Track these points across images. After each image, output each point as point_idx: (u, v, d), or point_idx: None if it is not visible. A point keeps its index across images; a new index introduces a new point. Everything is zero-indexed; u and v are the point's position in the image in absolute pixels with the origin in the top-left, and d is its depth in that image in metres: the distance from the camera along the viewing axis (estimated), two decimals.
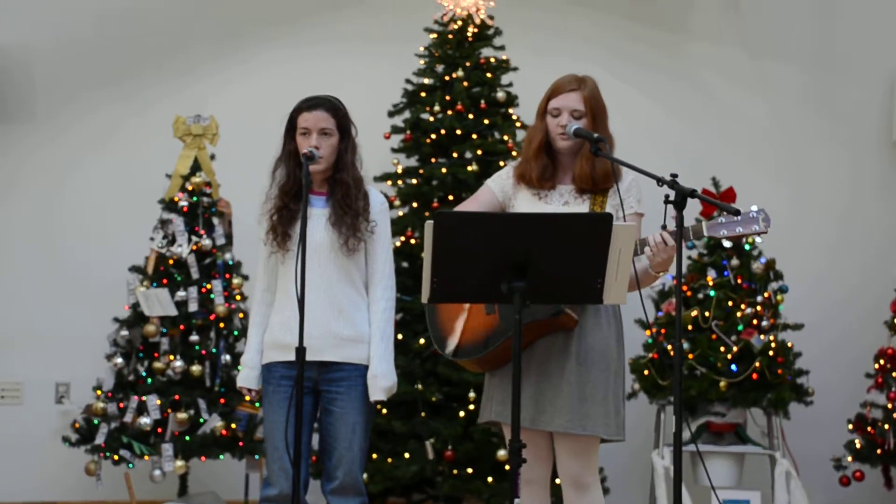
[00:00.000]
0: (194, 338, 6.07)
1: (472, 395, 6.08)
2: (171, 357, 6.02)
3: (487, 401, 4.05)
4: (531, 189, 4.04)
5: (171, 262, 6.16)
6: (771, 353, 6.04)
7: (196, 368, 6.01)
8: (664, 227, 3.80)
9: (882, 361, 6.23)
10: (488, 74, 6.59)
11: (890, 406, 6.06)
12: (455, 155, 6.47)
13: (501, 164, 6.39)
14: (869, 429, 6.14)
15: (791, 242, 6.50)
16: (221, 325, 6.14)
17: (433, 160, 6.53)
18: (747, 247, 6.30)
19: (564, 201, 4.02)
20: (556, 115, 3.99)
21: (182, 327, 6.09)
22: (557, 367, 3.89)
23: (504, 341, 3.85)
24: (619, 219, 3.93)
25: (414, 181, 6.49)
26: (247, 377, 4.25)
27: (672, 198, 3.59)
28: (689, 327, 6.15)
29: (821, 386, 6.30)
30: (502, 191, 4.11)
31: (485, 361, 3.95)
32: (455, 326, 3.97)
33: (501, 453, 5.98)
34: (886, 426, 6.03)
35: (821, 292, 6.86)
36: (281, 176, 4.24)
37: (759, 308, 6.16)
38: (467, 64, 6.58)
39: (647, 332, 6.20)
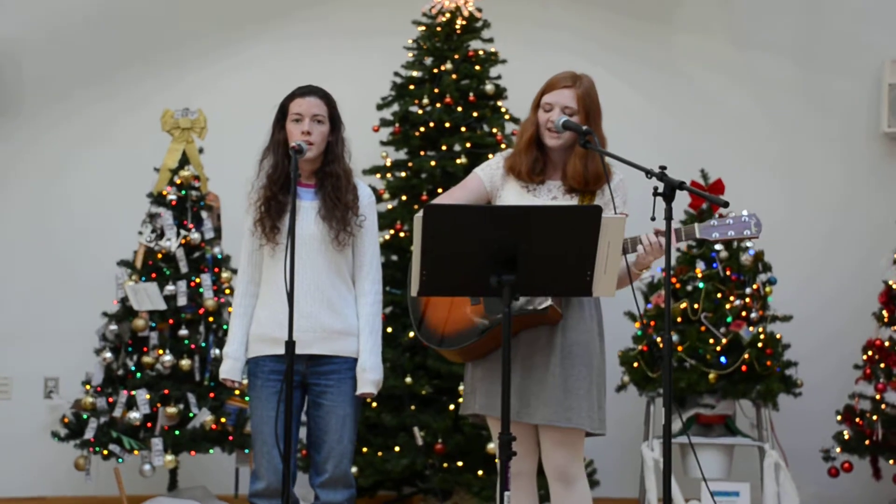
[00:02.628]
0: (183, 332, 6.06)
1: (461, 388, 6.08)
2: (161, 351, 6.01)
3: (470, 393, 4.05)
4: (520, 182, 4.04)
5: (159, 256, 6.15)
6: (760, 344, 6.05)
7: (185, 363, 6.00)
8: (655, 228, 3.80)
9: (870, 353, 6.24)
10: (477, 67, 6.58)
11: (878, 397, 6.07)
12: (444, 148, 6.47)
13: (490, 156, 6.38)
14: (857, 420, 6.15)
15: (782, 235, 6.50)
16: (210, 319, 6.14)
17: (422, 153, 6.53)
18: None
19: (553, 196, 4.02)
20: (549, 109, 3.99)
21: (171, 321, 6.08)
22: (542, 360, 3.90)
23: (490, 331, 3.85)
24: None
25: (403, 174, 6.49)
26: (231, 369, 4.22)
27: (660, 190, 3.59)
28: (679, 319, 6.16)
29: (810, 378, 6.32)
30: (491, 180, 4.10)
31: (468, 351, 3.95)
32: (439, 316, 3.97)
33: (491, 446, 5.98)
34: (875, 417, 6.04)
35: (812, 285, 6.86)
36: (268, 166, 4.23)
37: (747, 300, 6.17)
38: (456, 56, 6.58)
39: (637, 325, 6.21)
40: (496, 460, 3.49)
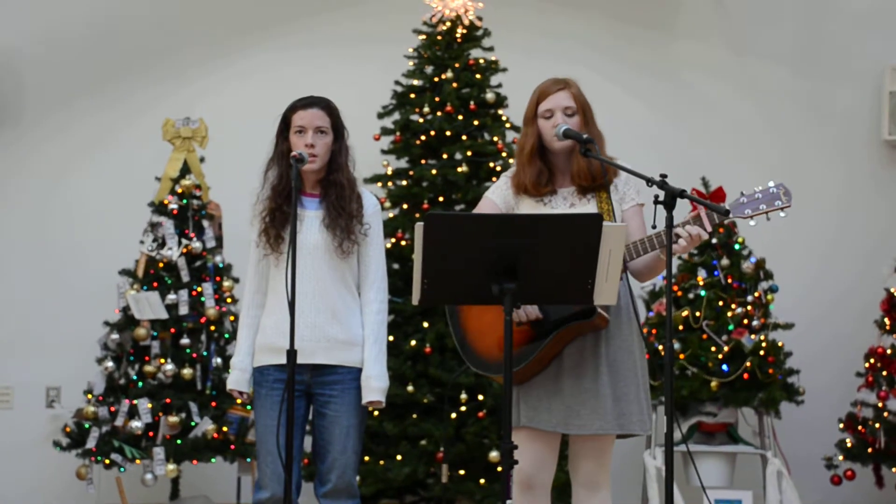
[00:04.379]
0: (185, 341, 6.06)
1: (463, 396, 6.08)
2: (162, 360, 6.01)
3: (513, 406, 3.99)
4: (532, 197, 4.03)
5: (161, 265, 6.15)
6: (762, 352, 6.05)
7: (187, 371, 6.00)
8: (692, 214, 3.79)
9: (872, 360, 6.24)
10: (477, 75, 6.59)
11: (880, 405, 6.07)
12: (445, 156, 6.47)
13: (491, 164, 6.41)
14: (860, 428, 6.14)
15: (783, 242, 6.51)
16: (212, 327, 6.14)
17: (423, 161, 6.54)
18: (737, 246, 6.31)
19: (570, 204, 3.99)
20: (549, 116, 3.98)
21: (173, 330, 6.08)
22: (591, 370, 3.87)
23: (537, 354, 3.83)
24: (619, 212, 3.94)
25: (404, 183, 6.50)
26: (237, 380, 4.23)
27: (661, 198, 3.59)
28: (680, 327, 6.16)
29: (812, 385, 6.31)
30: (504, 201, 4.07)
31: (521, 373, 3.91)
32: (486, 342, 3.94)
33: (493, 454, 5.98)
34: (877, 425, 6.04)
35: (813, 292, 6.86)
36: (273, 177, 4.23)
37: (749, 308, 6.17)
38: (456, 65, 6.58)
39: None
40: (499, 468, 3.48)
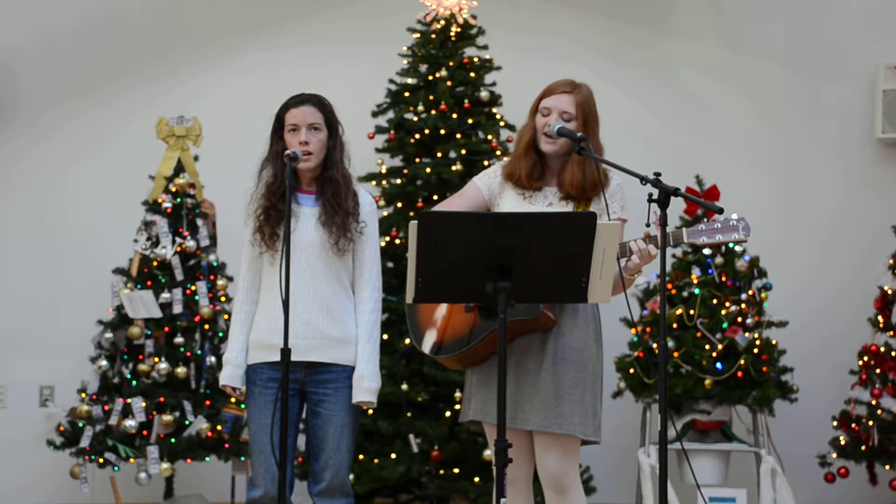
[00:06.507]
0: (179, 340, 6.05)
1: (457, 394, 6.08)
2: (156, 359, 6.00)
3: (468, 400, 4.05)
4: (518, 189, 4.04)
5: (155, 263, 6.14)
6: (756, 350, 6.05)
7: (181, 370, 6.00)
8: (647, 231, 3.80)
9: (866, 358, 6.24)
10: (472, 74, 6.59)
11: (874, 402, 6.07)
12: (439, 154, 6.47)
13: (486, 163, 6.40)
14: (853, 425, 6.15)
15: (777, 240, 6.52)
16: (206, 326, 6.13)
17: (417, 160, 6.53)
18: (731, 244, 6.31)
19: (549, 203, 4.01)
20: (546, 114, 3.98)
21: (167, 329, 6.07)
22: (534, 365, 3.89)
23: (484, 338, 3.85)
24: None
25: (398, 181, 6.50)
26: (231, 375, 4.22)
27: (655, 196, 3.59)
28: (674, 325, 6.16)
29: (806, 383, 6.32)
30: (489, 189, 4.10)
31: (464, 358, 3.94)
32: (435, 323, 3.96)
33: (487, 453, 5.98)
34: (871, 423, 6.05)
35: (807, 290, 6.86)
36: (268, 176, 4.23)
37: (743, 306, 6.17)
38: (451, 63, 6.58)
39: (633, 331, 6.20)
40: (493, 467, 3.48)
